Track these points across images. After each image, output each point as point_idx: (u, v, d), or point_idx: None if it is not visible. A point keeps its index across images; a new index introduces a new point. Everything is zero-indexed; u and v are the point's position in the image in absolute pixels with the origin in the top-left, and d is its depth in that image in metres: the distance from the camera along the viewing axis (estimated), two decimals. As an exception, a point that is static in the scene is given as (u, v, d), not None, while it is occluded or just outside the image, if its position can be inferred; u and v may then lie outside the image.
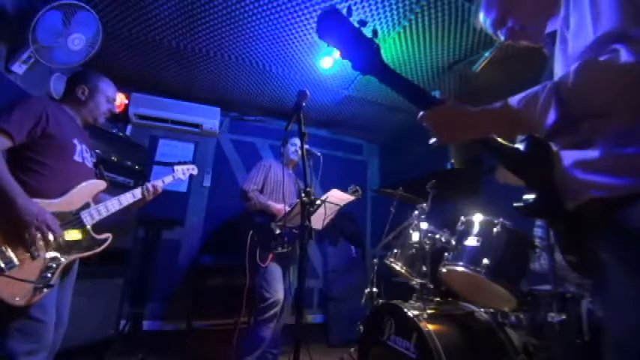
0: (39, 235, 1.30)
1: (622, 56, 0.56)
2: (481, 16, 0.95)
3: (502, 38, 0.92)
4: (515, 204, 0.77)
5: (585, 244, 0.66)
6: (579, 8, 0.66)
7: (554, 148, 0.71)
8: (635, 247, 0.56)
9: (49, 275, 1.35)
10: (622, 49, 0.57)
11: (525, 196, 0.75)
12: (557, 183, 0.67)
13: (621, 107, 0.59)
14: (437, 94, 0.87)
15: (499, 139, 0.81)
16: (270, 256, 2.30)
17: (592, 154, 0.61)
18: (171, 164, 2.04)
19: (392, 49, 2.56)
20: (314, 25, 2.34)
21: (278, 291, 2.28)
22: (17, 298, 1.24)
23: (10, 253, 1.25)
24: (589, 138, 0.63)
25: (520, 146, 0.77)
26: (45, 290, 1.32)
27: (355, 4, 2.12)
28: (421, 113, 0.83)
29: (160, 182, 1.83)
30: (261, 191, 2.52)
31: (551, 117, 0.63)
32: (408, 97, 0.87)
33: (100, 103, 1.65)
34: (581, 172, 0.62)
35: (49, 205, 1.38)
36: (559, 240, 0.77)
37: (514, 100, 0.71)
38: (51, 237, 1.33)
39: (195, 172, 2.13)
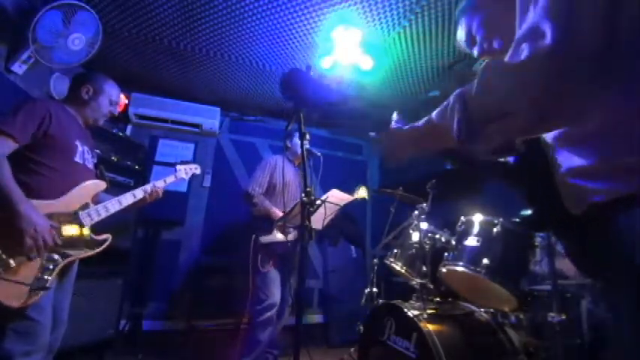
0: (33, 245, 1.29)
1: (521, 53, 0.54)
2: (458, 34, 1.03)
3: (475, 54, 0.99)
4: (514, 219, 0.79)
5: (592, 249, 0.66)
6: (524, 18, 0.65)
7: (553, 154, 0.70)
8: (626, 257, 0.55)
9: (46, 277, 1.34)
10: (524, 46, 0.55)
11: (523, 212, 0.76)
12: (556, 191, 0.67)
13: (521, 108, 0.57)
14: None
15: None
16: (272, 261, 2.30)
17: (583, 160, 0.60)
18: (173, 164, 2.03)
19: (392, 49, 2.56)
20: (314, 25, 2.34)
21: (275, 294, 2.28)
22: (13, 300, 1.24)
23: (7, 254, 1.25)
24: (510, 142, 0.63)
25: (509, 159, 0.77)
26: (41, 292, 1.31)
27: (355, 4, 2.12)
28: (371, 134, 0.93)
29: (162, 182, 1.83)
30: (267, 192, 2.48)
31: (455, 123, 0.64)
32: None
33: (103, 104, 1.65)
34: (579, 179, 0.62)
35: (47, 207, 1.38)
36: (566, 247, 0.78)
37: (434, 112, 0.73)
38: (45, 248, 1.32)
39: (198, 171, 2.12)
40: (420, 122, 0.78)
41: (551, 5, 0.55)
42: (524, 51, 0.54)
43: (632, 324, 0.57)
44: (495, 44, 0.93)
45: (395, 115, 0.92)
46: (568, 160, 0.63)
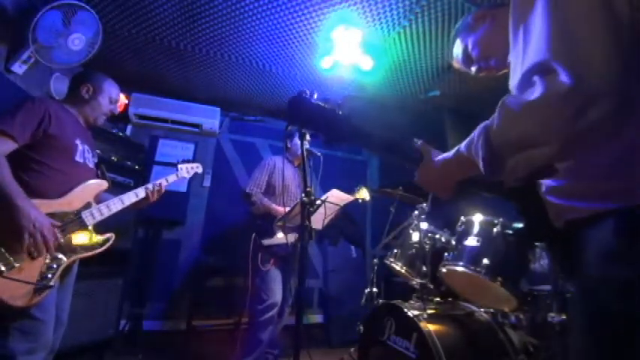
0: (31, 242, 1.28)
1: (534, 91, 0.58)
2: (454, 53, 1.08)
3: (473, 72, 1.05)
4: (507, 231, 0.81)
5: (569, 260, 0.70)
6: (517, 43, 0.69)
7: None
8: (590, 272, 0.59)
9: (49, 276, 1.35)
10: (537, 82, 0.58)
11: (515, 224, 0.79)
12: (544, 206, 0.71)
13: (541, 142, 0.61)
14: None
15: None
16: (272, 260, 2.29)
17: (556, 180, 0.65)
18: (174, 164, 2.04)
19: (392, 49, 2.56)
20: (314, 25, 2.34)
21: (276, 293, 2.28)
22: (18, 300, 1.24)
23: (10, 254, 1.25)
24: (533, 173, 0.66)
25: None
26: (46, 291, 1.32)
27: (355, 4, 2.12)
28: (415, 176, 0.93)
29: (164, 181, 1.84)
30: (266, 193, 2.48)
31: (480, 158, 0.68)
32: (386, 151, 0.95)
33: (103, 103, 1.66)
34: (554, 198, 0.66)
35: (49, 205, 1.38)
36: (556, 261, 0.82)
37: (462, 144, 0.76)
38: (44, 244, 1.31)
39: (200, 170, 2.13)
40: (450, 153, 0.81)
41: (555, 40, 0.58)
42: (539, 87, 0.57)
43: (577, 334, 0.63)
44: (492, 62, 0.99)
45: (418, 143, 0.93)
46: (546, 179, 0.67)
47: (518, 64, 0.67)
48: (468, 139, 0.74)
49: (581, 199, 0.60)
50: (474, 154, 0.70)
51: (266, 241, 2.25)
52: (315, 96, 0.95)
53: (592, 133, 0.56)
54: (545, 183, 0.68)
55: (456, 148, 0.79)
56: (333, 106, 0.92)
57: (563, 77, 0.54)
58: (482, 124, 0.70)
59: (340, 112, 0.90)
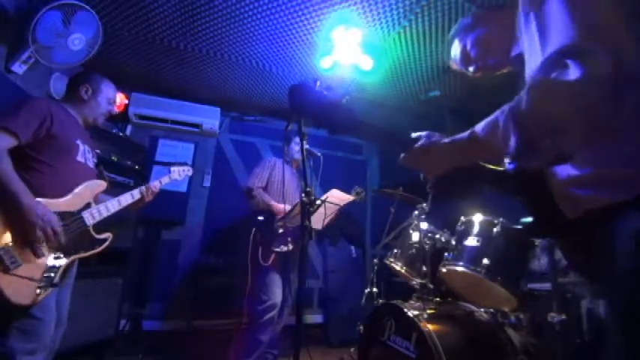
0: (43, 236, 1.31)
1: (571, 72, 0.57)
2: (452, 54, 1.09)
3: (470, 72, 1.06)
4: (516, 226, 0.80)
5: (591, 252, 0.68)
6: (528, 31, 0.68)
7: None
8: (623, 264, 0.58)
9: (52, 275, 1.36)
10: (571, 64, 0.57)
11: (523, 219, 0.77)
12: (553, 197, 0.69)
13: (577, 124, 0.60)
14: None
15: (483, 164, 0.84)
16: (273, 256, 2.29)
17: (578, 170, 0.63)
18: (169, 164, 2.07)
19: (392, 49, 2.55)
20: (314, 25, 2.34)
21: (276, 294, 2.28)
22: (22, 297, 1.25)
23: (15, 252, 1.26)
24: (564, 155, 0.65)
25: (508, 167, 0.78)
26: (49, 289, 1.33)
27: (355, 4, 2.12)
28: (401, 157, 0.91)
29: (158, 183, 1.88)
30: (265, 189, 2.50)
31: (512, 141, 0.66)
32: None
33: (101, 103, 1.68)
34: (574, 187, 0.64)
35: (53, 205, 1.39)
36: (566, 254, 0.79)
37: (478, 127, 0.74)
38: (55, 237, 1.34)
39: (190, 173, 2.16)
40: (463, 135, 0.78)
41: (580, 24, 0.58)
42: (577, 69, 0.57)
43: (614, 324, 0.61)
44: (490, 61, 0.99)
45: (415, 134, 0.92)
46: (563, 169, 0.65)
47: (535, 50, 0.66)
48: (485, 123, 0.72)
49: (605, 189, 0.58)
50: (499, 137, 0.68)
51: (275, 248, 2.27)
52: (318, 84, 0.95)
53: (625, 117, 0.56)
54: (562, 173, 0.66)
55: (469, 131, 0.76)
56: (335, 94, 0.92)
57: (599, 59, 0.55)
58: (504, 108, 0.68)
59: (343, 101, 0.90)
